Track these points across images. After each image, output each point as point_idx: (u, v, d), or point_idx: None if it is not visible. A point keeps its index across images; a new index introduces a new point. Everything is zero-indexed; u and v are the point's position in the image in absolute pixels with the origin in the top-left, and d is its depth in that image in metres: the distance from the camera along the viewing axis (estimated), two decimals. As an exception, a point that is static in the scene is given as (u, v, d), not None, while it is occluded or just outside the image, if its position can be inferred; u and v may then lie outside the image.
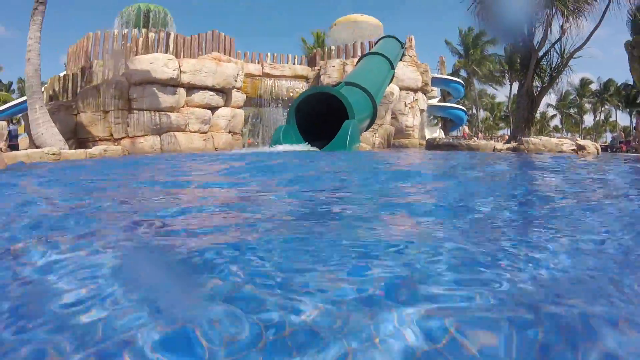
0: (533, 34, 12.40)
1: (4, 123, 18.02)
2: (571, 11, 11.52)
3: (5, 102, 37.33)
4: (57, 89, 13.86)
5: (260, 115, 14.30)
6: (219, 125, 12.13)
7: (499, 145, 9.73)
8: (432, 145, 10.49)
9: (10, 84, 47.06)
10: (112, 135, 11.38)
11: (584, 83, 50.08)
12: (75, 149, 10.39)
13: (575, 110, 53.20)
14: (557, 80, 12.86)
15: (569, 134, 55.70)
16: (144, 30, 12.93)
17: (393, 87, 12.98)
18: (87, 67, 12.87)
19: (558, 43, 12.38)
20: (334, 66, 14.04)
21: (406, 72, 14.18)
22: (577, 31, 11.78)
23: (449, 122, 23.48)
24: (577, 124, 55.89)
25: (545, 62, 12.76)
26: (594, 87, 50.41)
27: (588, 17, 11.63)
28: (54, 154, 8.02)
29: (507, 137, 24.34)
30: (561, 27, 11.97)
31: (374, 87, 10.31)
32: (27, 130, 12.69)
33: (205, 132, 11.94)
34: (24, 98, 19.22)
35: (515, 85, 33.17)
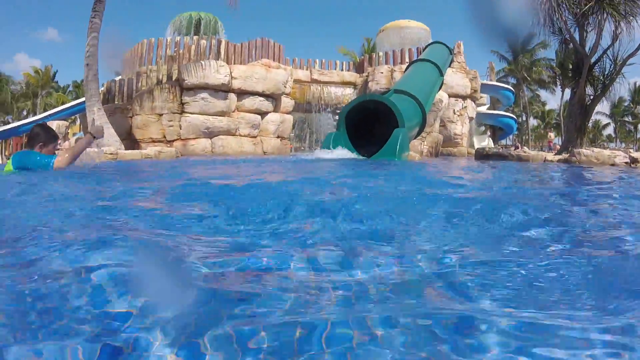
0: (585, 39, 11.91)
1: (64, 122, 19.15)
2: (622, 16, 11.00)
3: (62, 103, 39.77)
4: (113, 92, 14.53)
5: (307, 121, 14.41)
6: (268, 130, 12.34)
7: (550, 156, 9.36)
8: (481, 155, 10.19)
9: (68, 86, 49.97)
10: (164, 137, 11.78)
11: (639, 89, 47.40)
12: (130, 149, 10.86)
13: (630, 117, 50.41)
14: (610, 88, 12.30)
15: (623, 144, 52.81)
16: (195, 38, 13.34)
17: (442, 94, 12.73)
18: (141, 71, 13.42)
19: (610, 49, 11.83)
20: (382, 73, 13.95)
21: (455, 78, 13.89)
22: (630, 36, 11.26)
23: (498, 130, 22.79)
24: (631, 133, 52.98)
25: (597, 69, 12.22)
26: (649, 93, 47.62)
27: None
28: (111, 154, 8.38)
29: (558, 147, 23.35)
30: (613, 32, 11.46)
31: (423, 94, 10.15)
32: (84, 130, 13.41)
33: (255, 137, 12.18)
34: (81, 100, 20.42)
35: (567, 92, 31.98)
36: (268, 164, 6.60)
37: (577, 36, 11.85)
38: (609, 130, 53.85)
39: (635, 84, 47.38)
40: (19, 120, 33.87)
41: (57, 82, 47.59)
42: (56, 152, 3.76)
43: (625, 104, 48.60)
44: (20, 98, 44.33)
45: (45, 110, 40.27)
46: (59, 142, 3.82)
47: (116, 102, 13.73)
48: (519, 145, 27.25)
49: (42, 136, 3.62)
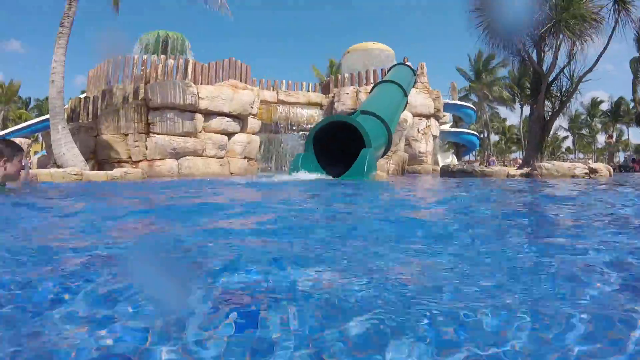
0: (542, 59, 12.52)
1: (26, 140, 18.52)
2: (578, 35, 11.64)
3: (25, 119, 38.40)
4: (78, 110, 14.22)
5: (274, 142, 14.51)
6: (235, 150, 12.34)
7: (513, 171, 9.78)
8: (446, 172, 10.56)
9: (29, 100, 48.30)
10: (130, 157, 11.61)
11: (595, 103, 50.01)
12: (95, 169, 10.65)
13: (587, 130, 53.00)
14: (568, 104, 12.94)
15: (583, 155, 55.35)
16: (162, 57, 13.30)
17: (406, 114, 13.13)
18: (107, 90, 13.23)
19: (567, 68, 12.48)
20: (347, 93, 14.26)
21: (418, 98, 14.36)
22: (585, 55, 11.92)
23: (461, 147, 23.60)
24: (589, 144, 55.60)
25: (555, 87, 12.84)
26: (605, 106, 50.32)
27: (595, 38, 11.75)
28: (76, 174, 8.22)
29: (519, 160, 24.34)
30: (570, 51, 12.10)
31: (388, 115, 10.45)
32: (47, 148, 13.03)
33: (222, 157, 12.15)
34: (45, 117, 19.85)
35: (526, 108, 33.46)
36: (223, 187, 6.65)
37: (534, 56, 12.44)
38: (568, 143, 56.41)
39: (591, 98, 50.08)
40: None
41: (20, 97, 45.99)
42: (24, 166, 3.62)
43: (582, 117, 51.11)
44: (-20, 112, 42.56)
45: (5, 126, 38.80)
46: (23, 155, 3.61)
47: (81, 121, 13.45)
48: (494, 159, 28.17)
49: (5, 151, 3.41)
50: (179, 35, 16.16)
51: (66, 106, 14.90)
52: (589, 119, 51.42)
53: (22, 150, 3.59)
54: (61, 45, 10.15)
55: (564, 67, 12.42)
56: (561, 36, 11.78)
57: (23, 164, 3.70)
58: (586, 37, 11.69)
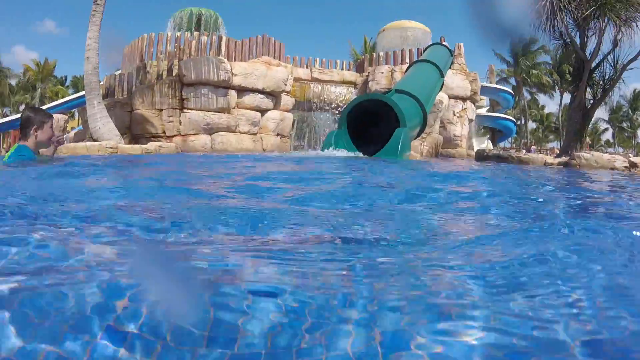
0: (586, 44, 11.94)
1: (63, 116, 19.09)
2: (624, 21, 11.03)
3: (62, 96, 39.65)
4: (113, 87, 14.46)
5: (307, 119, 14.41)
6: (268, 127, 12.32)
7: (550, 159, 9.40)
8: (481, 156, 10.25)
9: (65, 78, 49.74)
10: (164, 132, 11.75)
11: (637, 95, 47.65)
12: (130, 144, 10.83)
13: (628, 124, 50.67)
14: (610, 93, 12.35)
15: (622, 149, 53.05)
16: (196, 34, 13.30)
17: (442, 96, 12.75)
18: (141, 66, 13.37)
19: (611, 54, 11.88)
20: (382, 73, 13.95)
21: (455, 80, 13.91)
22: (631, 42, 11.29)
23: (497, 132, 22.87)
24: (629, 139, 53.31)
25: (597, 74, 12.27)
26: (647, 99, 47.87)
27: None
28: (111, 148, 8.35)
29: (556, 150, 23.46)
30: (614, 37, 11.49)
31: (424, 95, 10.19)
32: (83, 124, 13.35)
33: (255, 134, 12.16)
34: (81, 94, 20.36)
35: (566, 96, 32.15)
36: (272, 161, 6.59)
37: (577, 40, 11.88)
38: (608, 136, 54.10)
39: (634, 90, 47.65)
40: (17, 113, 33.77)
41: (55, 76, 47.37)
42: (55, 133, 3.46)
43: (624, 109, 48.88)
44: (19, 91, 44.15)
45: (43, 103, 40.18)
46: (53, 121, 3.46)
47: (116, 97, 13.68)
48: (535, 148, 27.37)
49: (35, 118, 3.31)
50: (212, 12, 16.13)
51: (102, 83, 15.22)
52: (630, 112, 49.05)
53: (52, 117, 3.48)
54: (95, 22, 10.27)
55: (607, 54, 11.84)
56: (606, 20, 11.18)
57: (57, 136, 3.60)
58: (632, 22, 11.07)
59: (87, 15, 10.40)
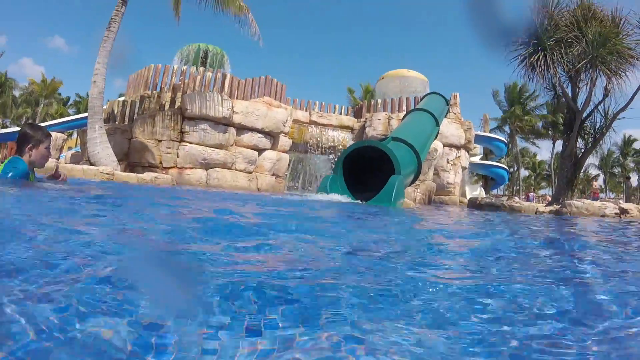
0: (577, 94, 12.30)
1: (62, 135, 19.20)
2: (614, 72, 11.40)
3: (61, 115, 39.95)
4: (115, 112, 14.67)
5: (303, 161, 14.59)
6: (264, 166, 12.48)
7: (542, 207, 9.55)
8: (474, 204, 10.43)
9: (68, 98, 50.21)
10: (161, 163, 11.85)
11: (628, 141, 48.53)
12: (126, 172, 10.90)
13: (619, 169, 51.38)
14: (601, 142, 12.62)
15: (613, 194, 53.56)
16: (201, 69, 13.65)
17: (437, 144, 13.04)
18: (145, 95, 13.62)
19: (601, 104, 12.20)
20: (379, 119, 14.28)
21: (450, 129, 14.26)
22: (621, 91, 11.63)
23: (490, 180, 23.22)
24: (620, 184, 53.92)
25: (589, 123, 12.57)
26: (638, 145, 48.76)
27: (632, 75, 11.44)
28: (108, 174, 8.41)
29: (548, 197, 23.75)
30: (605, 88, 11.84)
31: (419, 143, 10.43)
32: (82, 146, 13.45)
33: (251, 172, 12.29)
34: (82, 115, 20.58)
35: (558, 144, 32.77)
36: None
37: (569, 91, 12.21)
38: (599, 181, 54.79)
39: (625, 135, 48.63)
40: (18, 126, 33.91)
41: (59, 93, 47.86)
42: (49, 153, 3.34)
43: (615, 155, 49.66)
44: (22, 104, 44.47)
45: (44, 120, 40.41)
46: (50, 142, 3.37)
47: (117, 123, 13.85)
48: (534, 195, 27.64)
49: (32, 137, 3.24)
50: (219, 50, 16.59)
51: (104, 107, 15.44)
52: (621, 158, 49.92)
53: (49, 137, 3.37)
54: (105, 48, 10.50)
55: (598, 104, 12.15)
56: (597, 71, 11.56)
57: (61, 174, 3.55)
58: (622, 73, 11.44)
59: (96, 37, 10.65)
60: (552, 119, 30.69)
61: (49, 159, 3.46)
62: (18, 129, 19.55)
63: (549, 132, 34.92)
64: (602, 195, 53.55)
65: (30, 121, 41.36)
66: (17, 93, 44.86)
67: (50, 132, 3.53)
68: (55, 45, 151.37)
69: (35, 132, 3.28)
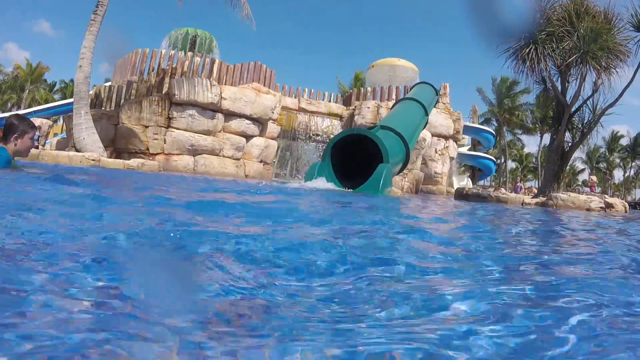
0: (566, 89, 12.40)
1: (47, 121, 18.88)
2: (604, 68, 11.50)
3: (46, 101, 39.21)
4: (101, 97, 14.45)
5: (291, 148, 14.55)
6: (252, 153, 12.42)
7: (528, 199, 9.68)
8: (461, 194, 10.51)
9: (54, 84, 49.23)
10: (148, 149, 11.72)
11: (615, 137, 49.25)
12: (113, 158, 10.76)
13: (605, 164, 52.19)
14: (588, 137, 12.78)
15: (599, 189, 54.41)
16: (189, 54, 13.46)
17: (425, 134, 13.09)
18: (133, 81, 13.41)
19: (590, 99, 12.33)
20: (368, 107, 14.28)
21: (439, 119, 14.32)
22: (610, 87, 11.75)
23: (477, 171, 23.44)
24: (606, 179, 54.83)
25: (577, 118, 12.70)
26: (625, 141, 49.50)
27: (621, 71, 11.56)
28: (94, 160, 8.31)
29: (534, 189, 24.04)
30: (594, 83, 11.95)
31: (408, 132, 10.46)
32: (67, 132, 13.25)
33: (238, 159, 12.24)
34: (68, 100, 20.23)
35: (545, 137, 33.14)
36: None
37: (559, 85, 12.32)
38: (585, 176, 55.59)
39: (612, 131, 49.32)
40: (3, 112, 33.28)
41: (45, 79, 46.94)
42: (36, 142, 3.61)
43: (601, 151, 50.37)
44: (7, 90, 43.56)
45: (30, 105, 39.61)
46: (37, 133, 3.63)
47: (103, 108, 13.64)
48: (522, 185, 27.96)
49: (18, 127, 3.44)
50: (208, 35, 16.37)
51: (90, 92, 15.18)
52: (607, 153, 50.69)
53: (35, 128, 3.59)
54: (92, 32, 10.30)
55: (587, 99, 12.26)
56: (588, 66, 11.64)
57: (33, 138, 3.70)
58: (612, 69, 11.54)
59: (83, 21, 10.57)
60: (540, 114, 31.04)
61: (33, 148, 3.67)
62: (3, 115, 19.19)
63: (537, 126, 35.27)
64: (587, 189, 54.30)
65: (16, 107, 40.72)
66: (1, 78, 43.94)
67: (35, 125, 3.73)
68: (40, 29, 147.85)
69: (21, 123, 3.50)
